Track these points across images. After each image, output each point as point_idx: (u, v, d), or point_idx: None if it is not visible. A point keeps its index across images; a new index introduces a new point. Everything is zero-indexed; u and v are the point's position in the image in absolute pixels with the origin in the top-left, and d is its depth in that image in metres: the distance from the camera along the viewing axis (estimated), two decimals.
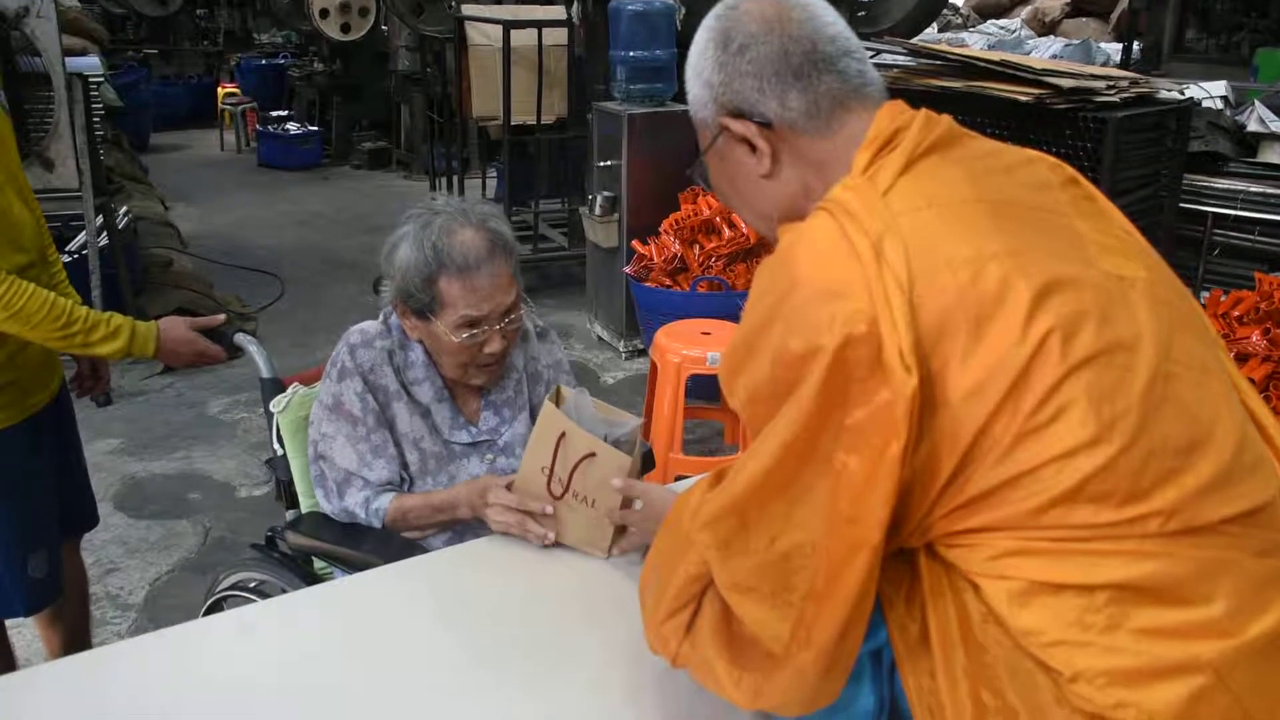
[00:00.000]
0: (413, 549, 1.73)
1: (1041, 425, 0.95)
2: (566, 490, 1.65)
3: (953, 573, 1.03)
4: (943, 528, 1.02)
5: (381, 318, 1.90)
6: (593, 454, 1.63)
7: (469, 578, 1.61)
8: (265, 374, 2.02)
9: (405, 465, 1.85)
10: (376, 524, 1.81)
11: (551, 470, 1.66)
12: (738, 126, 1.15)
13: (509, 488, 1.70)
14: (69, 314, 1.87)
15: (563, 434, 1.63)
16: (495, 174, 7.25)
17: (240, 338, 2.07)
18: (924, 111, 1.14)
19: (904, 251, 0.99)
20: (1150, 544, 0.96)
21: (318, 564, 1.93)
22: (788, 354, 0.99)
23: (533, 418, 1.88)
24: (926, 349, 0.96)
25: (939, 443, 0.97)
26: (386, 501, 1.80)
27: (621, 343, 4.96)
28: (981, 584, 1.00)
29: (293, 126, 9.74)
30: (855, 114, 1.13)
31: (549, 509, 1.66)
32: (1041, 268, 1.00)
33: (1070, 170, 1.18)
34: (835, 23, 1.15)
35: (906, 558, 1.07)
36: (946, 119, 1.14)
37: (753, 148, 1.16)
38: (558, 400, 1.70)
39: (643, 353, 4.82)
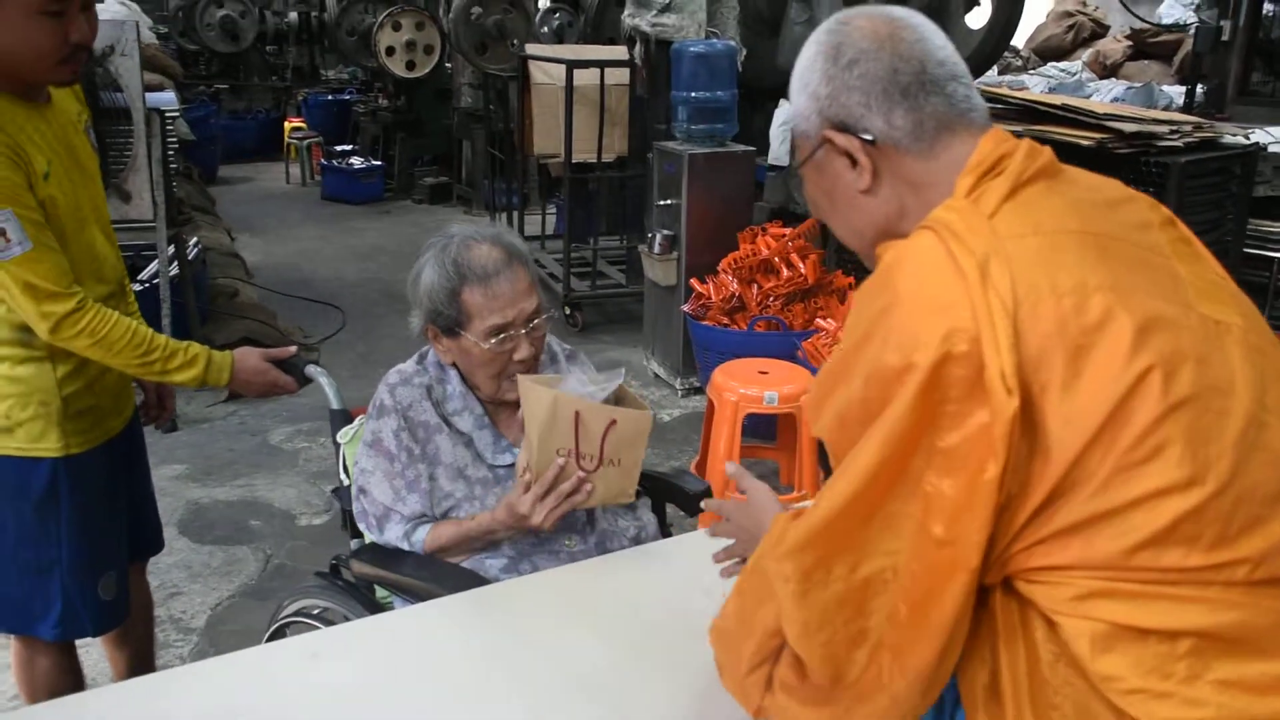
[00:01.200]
0: (475, 579, 1.76)
1: (1138, 462, 0.95)
2: (600, 462, 1.77)
3: (1027, 610, 1.02)
4: (1024, 561, 1.01)
5: (417, 357, 1.99)
6: (614, 420, 1.77)
7: (529, 611, 1.63)
8: (335, 405, 2.07)
9: (448, 496, 1.90)
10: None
11: (576, 450, 1.76)
12: (841, 140, 1.16)
13: (527, 489, 1.78)
14: (149, 342, 1.93)
15: (577, 413, 1.74)
16: (555, 210, 7.34)
17: (311, 369, 2.12)
18: (1027, 141, 1.14)
19: (1009, 275, 0.99)
20: (1235, 592, 0.96)
21: (380, 592, 1.96)
22: (882, 368, 0.99)
23: None
24: (1028, 373, 0.96)
25: (1033, 470, 0.97)
26: (423, 534, 1.86)
27: (678, 380, 4.98)
28: (1062, 624, 0.98)
29: (356, 161, 9.92)
30: (959, 138, 1.14)
31: (586, 485, 1.78)
32: (1143, 305, 1.00)
33: (1168, 211, 1.18)
34: (945, 47, 1.16)
35: (979, 598, 1.07)
36: (1049, 150, 1.14)
37: (853, 163, 1.16)
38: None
39: (699, 390, 4.83)
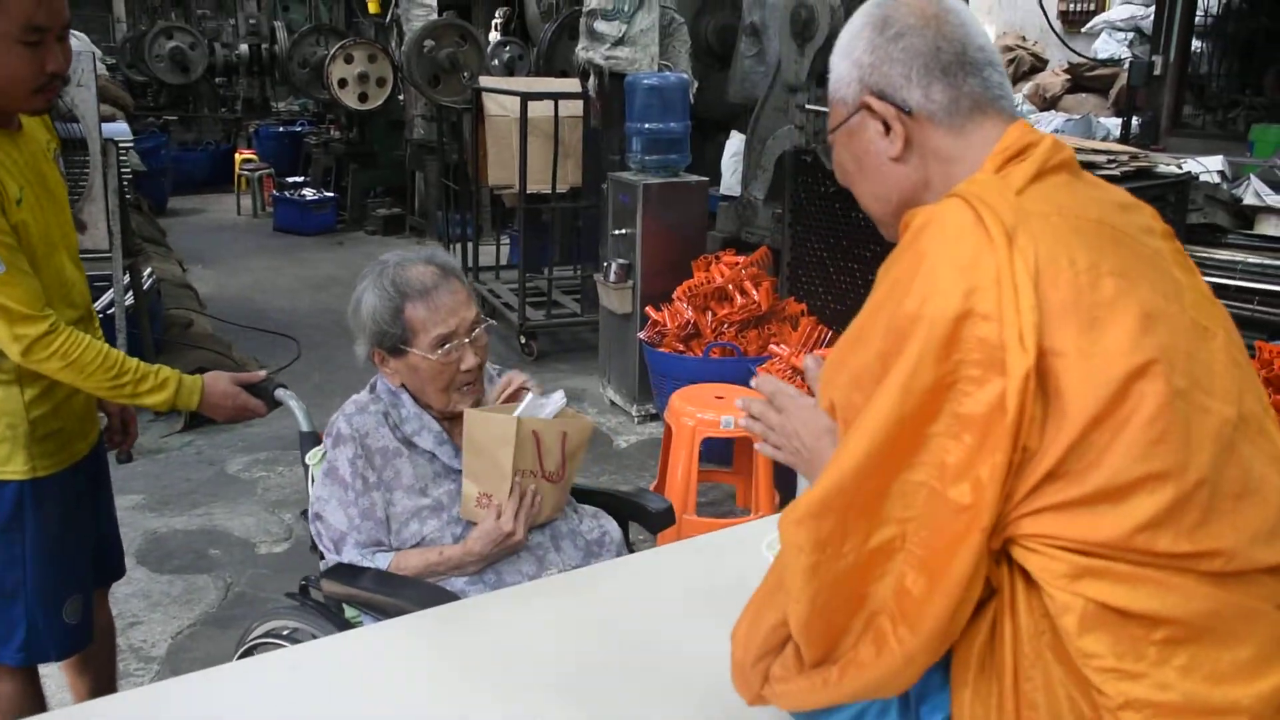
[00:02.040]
0: (445, 595, 1.79)
1: (1148, 442, 0.99)
2: (563, 475, 1.94)
3: (1016, 579, 1.05)
4: (1027, 526, 1.02)
5: (368, 388, 2.05)
6: (565, 433, 1.93)
7: (501, 625, 1.66)
8: (304, 428, 2.10)
9: (414, 515, 1.95)
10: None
11: (541, 469, 1.90)
12: (879, 106, 1.20)
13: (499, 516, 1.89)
14: (121, 365, 1.95)
15: (535, 433, 1.87)
16: (509, 241, 7.38)
17: (281, 393, 2.14)
18: (1051, 135, 1.20)
19: (1034, 244, 1.03)
20: (1207, 583, 1.00)
21: (349, 612, 1.99)
22: (901, 318, 1.02)
23: None
24: (1046, 336, 1.00)
25: (1047, 432, 1.00)
26: (384, 562, 1.91)
27: (634, 407, 5.03)
28: (1055, 597, 1.01)
29: (309, 192, 9.89)
30: (990, 121, 1.19)
31: (538, 498, 1.92)
32: (1147, 296, 1.05)
33: (1166, 225, 1.22)
34: (984, 35, 1.22)
35: None
36: (1071, 149, 1.20)
37: (886, 130, 1.21)
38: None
39: (655, 417, 4.89)
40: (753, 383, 1.38)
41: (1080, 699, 1.01)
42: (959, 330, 1.00)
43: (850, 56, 1.24)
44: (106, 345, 1.96)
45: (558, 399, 1.95)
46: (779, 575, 1.15)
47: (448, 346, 1.93)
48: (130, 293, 4.63)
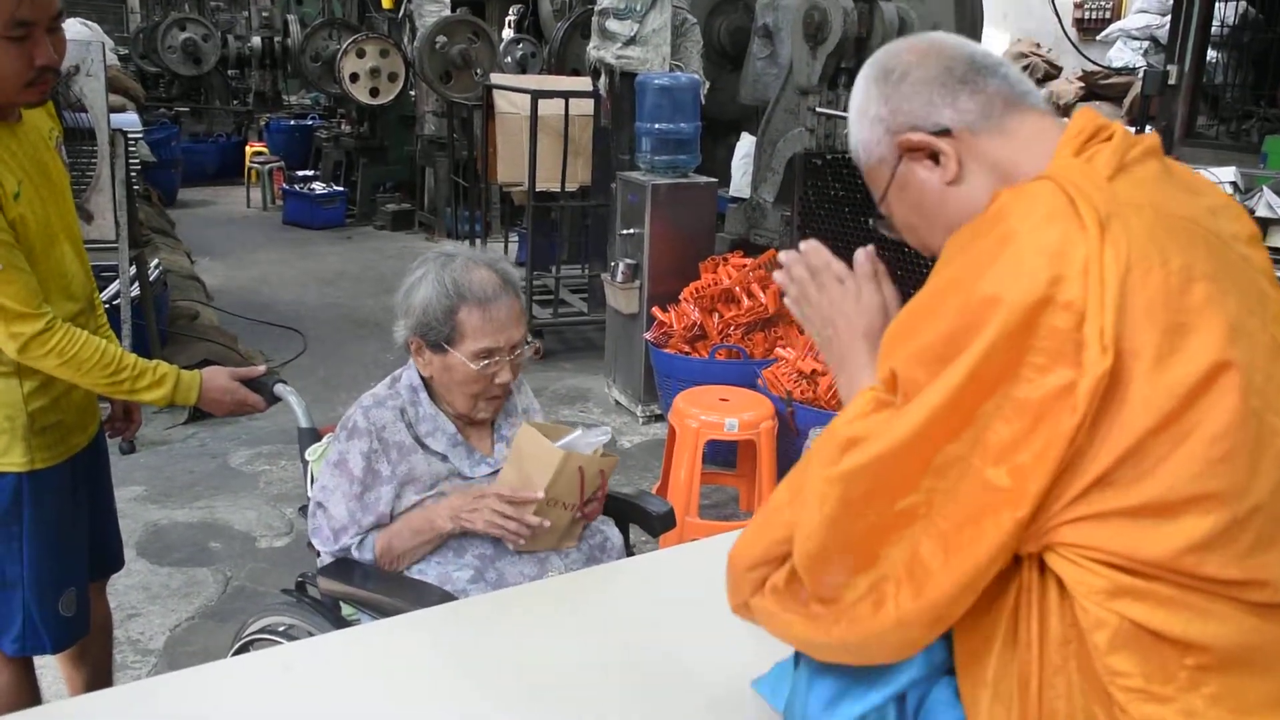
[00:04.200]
0: (443, 595, 1.78)
1: (1213, 460, 0.95)
2: (592, 500, 1.93)
3: (1048, 587, 1.02)
4: (1068, 535, 0.99)
5: (389, 381, 2.03)
6: (603, 470, 1.93)
7: (500, 625, 1.65)
8: (304, 424, 2.09)
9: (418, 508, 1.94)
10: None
11: (581, 502, 1.90)
12: (918, 138, 1.16)
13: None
14: (118, 361, 1.94)
15: (580, 469, 1.87)
16: (517, 238, 7.38)
17: (280, 388, 2.13)
18: (1119, 123, 1.14)
19: (1127, 237, 0.98)
20: (1248, 613, 0.97)
21: (346, 610, 1.98)
22: (977, 298, 0.98)
23: None
24: (1124, 336, 0.95)
25: (1105, 434, 0.96)
26: (373, 539, 1.91)
27: (639, 408, 5.02)
28: (1089, 610, 0.98)
29: (318, 186, 9.91)
30: (1029, 115, 1.16)
31: (545, 523, 1.87)
32: (1235, 307, 1.00)
33: (1254, 227, 1.17)
34: (983, 46, 1.21)
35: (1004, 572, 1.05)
36: (1156, 135, 1.15)
37: (935, 160, 1.17)
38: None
39: (660, 418, 4.88)
40: (802, 246, 1.33)
41: (1101, 714, 0.99)
42: (1036, 317, 0.95)
43: (866, 117, 1.21)
44: (104, 341, 1.95)
45: (602, 434, 1.95)
46: (795, 492, 1.11)
47: (488, 361, 1.92)
48: (136, 284, 4.62)
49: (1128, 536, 0.97)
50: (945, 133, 1.16)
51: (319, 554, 2.06)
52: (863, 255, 1.29)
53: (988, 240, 1.02)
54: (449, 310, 1.90)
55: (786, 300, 1.34)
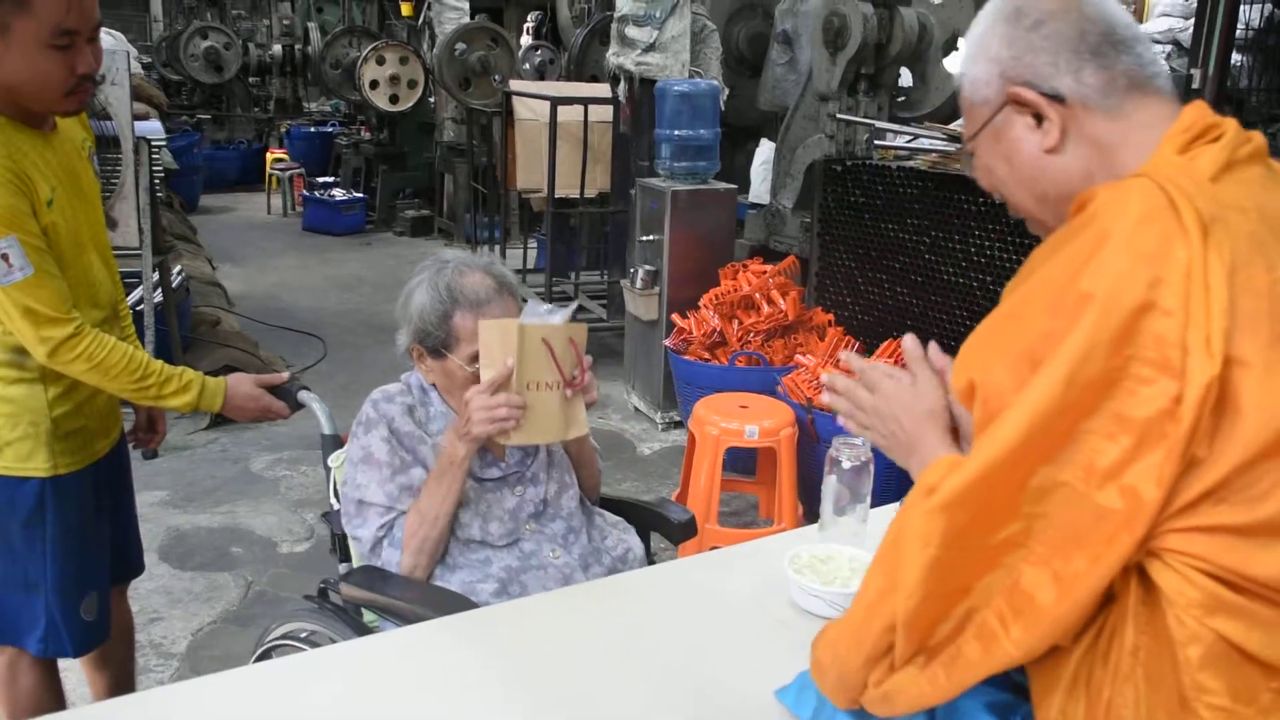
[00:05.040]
0: (465, 603, 1.78)
1: None
2: (585, 374, 1.88)
3: (1132, 592, 0.98)
4: (1176, 542, 0.95)
5: (402, 381, 2.03)
6: (572, 337, 1.86)
7: (519, 634, 1.65)
8: (327, 430, 2.09)
9: None
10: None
11: (561, 376, 1.84)
12: (1030, 96, 1.12)
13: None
14: (145, 367, 1.96)
15: (544, 339, 1.82)
16: (536, 245, 7.39)
17: (304, 395, 2.14)
18: (1233, 120, 1.10)
19: (1231, 241, 0.94)
20: None
21: (368, 616, 1.98)
22: (1072, 295, 0.94)
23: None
24: (1231, 344, 0.92)
25: (1218, 445, 0.92)
26: (403, 520, 1.88)
27: (659, 414, 5.01)
28: (1186, 623, 0.95)
29: (338, 193, 9.97)
30: (1151, 99, 1.11)
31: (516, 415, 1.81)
32: None
33: None
34: (1125, 12, 1.14)
35: None
36: (1260, 135, 1.11)
37: (1038, 122, 1.13)
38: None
39: (679, 424, 4.87)
40: (841, 356, 1.33)
41: None
42: (1137, 322, 0.92)
43: (985, 54, 1.16)
44: (131, 348, 1.97)
45: (562, 312, 1.88)
46: (888, 574, 1.06)
47: None
48: (159, 290, 4.66)
49: (1238, 552, 0.94)
50: (1059, 99, 1.11)
51: (340, 559, 2.07)
52: (910, 341, 1.28)
53: (1080, 242, 0.98)
54: (443, 315, 1.91)
55: (841, 419, 1.30)
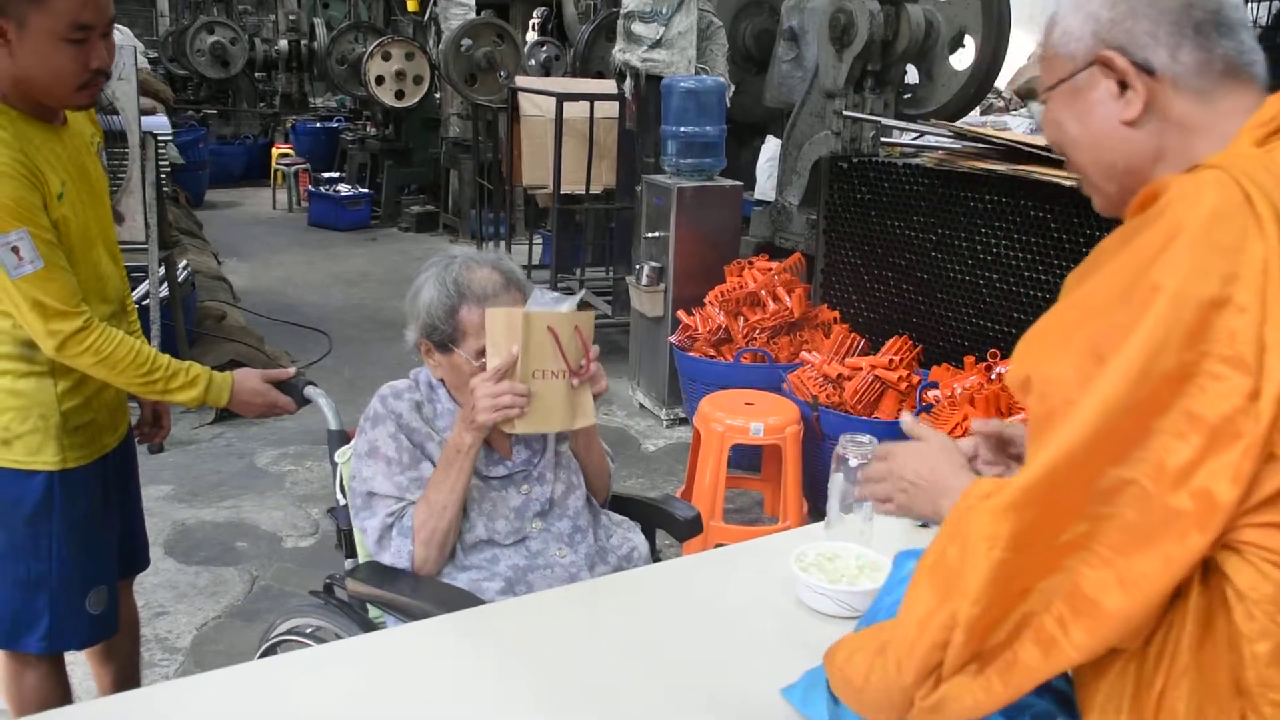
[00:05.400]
0: (471, 600, 1.78)
1: None
2: (591, 363, 1.89)
3: (1194, 585, 0.96)
4: (1253, 536, 0.93)
5: (411, 377, 2.04)
6: (577, 325, 1.87)
7: (524, 631, 1.65)
8: (333, 426, 2.10)
9: None
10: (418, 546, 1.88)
11: (567, 364, 1.84)
12: (1120, 62, 1.08)
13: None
14: (152, 361, 1.96)
15: (550, 328, 1.83)
16: (541, 241, 7.40)
17: (310, 390, 2.14)
18: None
19: None
20: None
21: (373, 612, 1.98)
22: (1143, 287, 0.92)
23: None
24: None
25: None
26: (412, 510, 1.88)
27: (664, 411, 5.01)
28: (1257, 619, 0.93)
29: (343, 188, 9.98)
30: (1243, 88, 1.08)
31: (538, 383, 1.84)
32: None
33: None
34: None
35: None
36: None
37: (1122, 90, 1.09)
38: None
39: (684, 421, 4.87)
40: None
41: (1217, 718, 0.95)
42: (1210, 317, 0.90)
43: (1085, 9, 1.11)
44: (138, 342, 1.97)
45: (572, 300, 1.89)
46: (941, 584, 1.02)
47: None
48: (165, 284, 4.66)
49: None
50: (1149, 71, 1.08)
51: (346, 555, 2.07)
52: (908, 418, 1.33)
53: (1151, 234, 0.96)
54: (450, 310, 1.91)
55: (884, 507, 1.32)
